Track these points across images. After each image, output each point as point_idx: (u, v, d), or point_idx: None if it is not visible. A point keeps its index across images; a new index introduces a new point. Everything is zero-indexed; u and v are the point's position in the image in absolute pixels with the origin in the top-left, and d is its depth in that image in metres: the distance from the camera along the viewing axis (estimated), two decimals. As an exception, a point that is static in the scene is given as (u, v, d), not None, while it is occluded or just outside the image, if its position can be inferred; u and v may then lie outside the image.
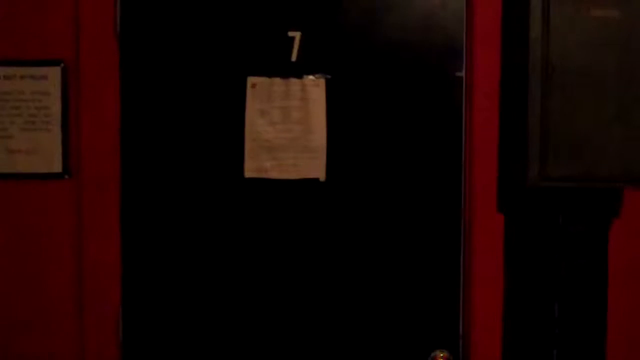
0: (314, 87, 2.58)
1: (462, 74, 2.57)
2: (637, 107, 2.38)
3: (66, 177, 2.57)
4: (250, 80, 2.58)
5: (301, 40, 2.58)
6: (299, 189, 2.60)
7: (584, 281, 2.55)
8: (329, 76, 2.58)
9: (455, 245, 2.60)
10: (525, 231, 2.55)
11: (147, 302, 2.62)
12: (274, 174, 2.59)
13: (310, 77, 2.58)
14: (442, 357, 2.60)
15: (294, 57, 2.58)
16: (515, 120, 2.49)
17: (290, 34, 2.58)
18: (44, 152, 2.57)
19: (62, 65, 2.57)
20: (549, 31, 2.37)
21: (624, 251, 2.56)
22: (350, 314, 2.62)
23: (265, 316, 2.62)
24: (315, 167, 2.59)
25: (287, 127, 2.58)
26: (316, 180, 2.59)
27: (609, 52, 2.37)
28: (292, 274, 2.61)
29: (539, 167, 2.43)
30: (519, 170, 2.47)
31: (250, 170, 2.59)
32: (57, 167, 2.57)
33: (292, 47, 2.58)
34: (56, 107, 2.57)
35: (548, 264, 2.55)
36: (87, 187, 2.57)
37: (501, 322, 2.59)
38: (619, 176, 2.42)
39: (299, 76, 2.58)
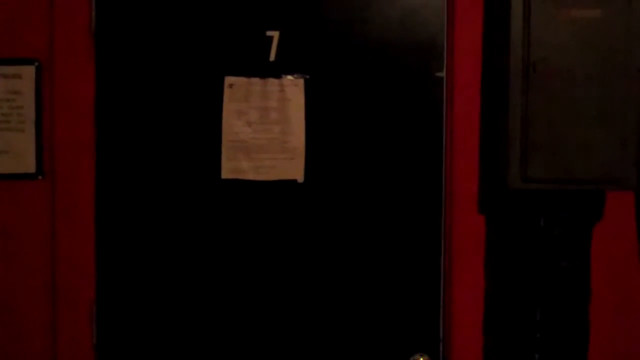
0: (293, 87, 2.54)
1: (443, 74, 2.53)
2: (619, 108, 2.35)
3: (40, 177, 2.52)
4: (228, 80, 2.54)
5: (280, 40, 2.53)
6: (276, 191, 2.56)
7: (566, 284, 2.51)
8: (307, 76, 2.54)
9: (435, 247, 2.56)
10: (506, 233, 2.52)
11: (121, 301, 2.57)
12: (251, 175, 2.55)
13: (289, 77, 2.54)
14: (421, 361, 2.57)
15: (272, 57, 2.54)
16: (495, 121, 2.46)
17: (269, 33, 2.54)
18: (17, 152, 2.52)
19: (37, 64, 2.52)
20: (530, 31, 2.34)
21: (607, 254, 2.52)
22: (329, 317, 2.58)
23: (242, 318, 2.58)
24: (293, 169, 2.55)
25: (265, 128, 2.54)
26: (294, 181, 2.55)
27: (591, 52, 2.33)
28: (269, 276, 2.57)
29: (520, 168, 2.40)
30: (500, 172, 2.44)
31: (227, 171, 2.55)
32: (30, 168, 2.52)
33: (270, 46, 2.54)
34: (30, 107, 2.52)
35: (529, 266, 2.51)
36: (61, 187, 2.52)
37: (482, 325, 2.55)
38: (601, 178, 2.40)
39: (278, 76, 2.54)
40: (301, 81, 2.54)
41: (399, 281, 2.57)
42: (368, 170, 2.56)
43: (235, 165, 2.55)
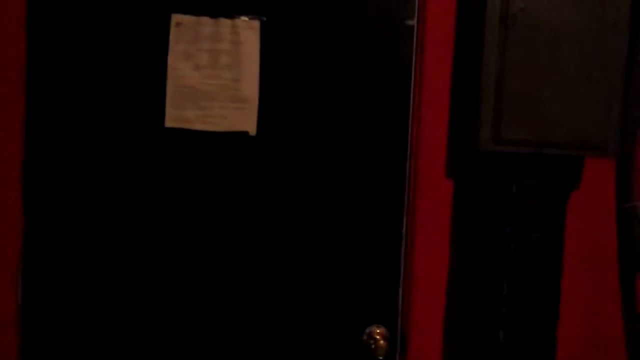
0: (247, 29, 2.30)
1: (414, 22, 2.29)
2: (604, 67, 2.13)
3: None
4: (175, 18, 2.28)
5: (234, -25, 2.29)
6: (226, 143, 2.32)
7: (536, 257, 2.31)
8: (264, 18, 2.30)
9: (397, 211, 2.34)
10: (475, 200, 2.31)
11: (49, 261, 2.34)
12: (198, 125, 2.31)
13: (243, 17, 2.29)
14: (378, 334, 2.36)
15: (225, -6, 2.30)
16: (468, 76, 2.24)
17: (223, -33, 2.29)
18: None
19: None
20: (511, -22, 2.11)
21: (582, 226, 2.32)
22: (277, 284, 2.37)
23: (186, 284, 2.36)
24: (245, 120, 2.32)
25: (214, 73, 2.30)
26: (245, 134, 2.32)
27: (577, 9, 2.11)
28: (213, 237, 2.35)
29: (492, 129, 2.19)
30: (471, 133, 2.22)
31: (172, 119, 2.31)
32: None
33: (224, -18, 2.29)
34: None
35: (498, 236, 2.30)
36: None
37: (444, 297, 2.36)
38: (581, 143, 2.19)
39: (230, 16, 2.29)
40: (257, 23, 2.29)
41: (356, 247, 2.36)
42: (327, 125, 2.33)
43: (180, 114, 2.31)
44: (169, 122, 2.31)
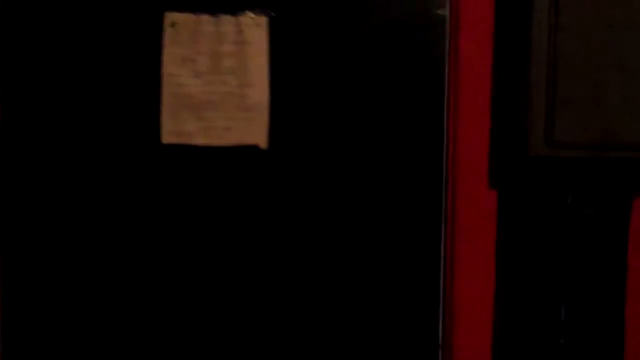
0: (253, 27, 1.99)
1: (446, 11, 1.99)
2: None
3: None
4: (169, 16, 1.98)
5: (236, -34, 1.99)
6: (233, 159, 2.01)
7: (598, 277, 1.99)
8: (272, 13, 1.99)
9: (434, 229, 2.03)
10: (524, 213, 1.99)
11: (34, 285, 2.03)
12: (201, 140, 2.00)
13: (249, 14, 1.99)
14: (415, 372, 2.05)
15: (227, -13, 1.99)
16: (513, 69, 1.93)
17: (222, -43, 1.99)
18: None
19: None
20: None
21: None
22: (297, 316, 2.05)
23: (189, 312, 2.05)
24: (254, 131, 2.00)
25: (217, 79, 1.99)
26: (255, 147, 2.01)
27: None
28: (225, 267, 2.04)
29: (544, 130, 1.89)
30: (518, 136, 1.92)
31: (170, 134, 2.00)
32: None
33: (224, -26, 1.99)
34: None
35: (553, 254, 1.99)
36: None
37: (492, 327, 2.04)
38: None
39: (234, 13, 1.99)
40: (264, 19, 1.99)
41: (387, 272, 2.05)
42: (350, 135, 2.02)
43: (179, 127, 2.00)
44: (166, 137, 2.00)
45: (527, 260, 2.00)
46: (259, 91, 2.00)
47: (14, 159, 2.01)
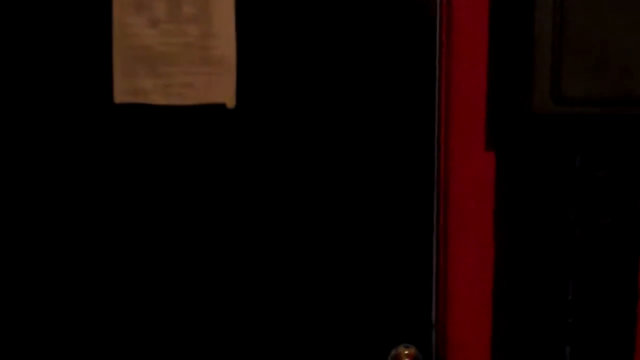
0: (217, -33, 1.74)
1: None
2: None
3: None
4: (119, -44, 1.73)
5: None
6: (195, 120, 1.78)
7: (609, 249, 1.77)
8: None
9: (425, 196, 1.81)
10: (526, 177, 1.76)
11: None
12: (158, 98, 1.76)
13: (211, -49, 1.74)
14: (407, 355, 1.82)
15: None
16: (515, 15, 1.67)
17: None
18: None
19: None
20: None
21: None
22: (277, 295, 1.83)
23: (145, 285, 1.83)
24: (220, 88, 1.76)
25: (177, 29, 1.75)
26: (222, 107, 1.77)
27: None
28: (186, 244, 1.81)
29: (550, 85, 1.63)
30: (520, 91, 1.68)
31: (123, 92, 1.76)
32: None
33: None
34: None
35: (559, 224, 1.76)
36: None
37: (491, 305, 1.81)
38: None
39: (194, -49, 1.74)
40: (229, -41, 1.74)
41: (374, 246, 1.83)
42: (327, 91, 1.78)
43: (134, 84, 1.76)
44: (118, 97, 1.76)
45: (529, 232, 1.77)
46: (225, 43, 1.75)
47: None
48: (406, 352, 1.83)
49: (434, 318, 1.84)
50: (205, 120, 1.77)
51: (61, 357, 1.83)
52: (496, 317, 1.82)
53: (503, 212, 1.77)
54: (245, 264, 1.82)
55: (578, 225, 1.76)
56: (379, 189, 1.80)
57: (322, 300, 1.83)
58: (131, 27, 1.74)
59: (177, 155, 1.78)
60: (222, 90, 1.76)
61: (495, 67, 1.71)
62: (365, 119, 1.78)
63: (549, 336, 1.79)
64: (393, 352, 1.83)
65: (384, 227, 1.81)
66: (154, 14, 1.74)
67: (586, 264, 1.77)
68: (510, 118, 1.73)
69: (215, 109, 1.77)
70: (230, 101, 1.77)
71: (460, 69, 1.72)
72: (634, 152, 1.74)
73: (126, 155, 1.78)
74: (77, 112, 1.76)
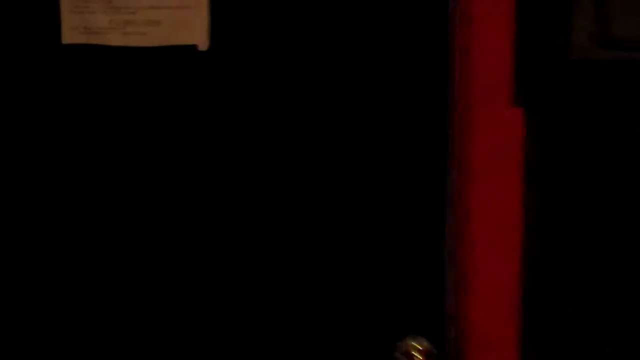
0: None
1: None
2: None
3: None
4: None
5: None
6: (161, 65, 1.50)
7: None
8: None
9: (438, 163, 1.49)
10: (562, 142, 1.42)
11: None
12: (116, 39, 1.50)
13: None
14: (416, 350, 1.53)
15: None
16: None
17: None
18: None
19: None
20: None
21: None
22: (260, 264, 1.56)
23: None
24: (189, 26, 1.48)
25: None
26: (192, 48, 1.48)
27: None
28: (147, 211, 1.54)
29: (596, 24, 1.31)
30: (555, 33, 1.35)
31: (72, 31, 1.50)
32: None
33: None
34: None
35: (605, 196, 1.42)
36: None
37: (520, 291, 1.48)
38: None
39: None
40: None
41: (376, 221, 1.53)
42: (321, 27, 1.47)
43: (86, 21, 1.50)
44: (67, 36, 1.50)
45: (567, 204, 1.43)
46: (195, -30, 1.46)
47: None
48: (416, 345, 1.53)
49: (448, 307, 1.53)
50: (173, 66, 1.49)
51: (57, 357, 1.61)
52: (525, 307, 1.49)
53: (534, 182, 1.44)
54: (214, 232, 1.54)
55: (631, 198, 1.42)
56: (381, 152, 1.49)
57: (315, 293, 1.55)
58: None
59: (138, 106, 1.51)
60: (193, 29, 1.49)
61: (524, 9, 1.37)
62: (360, 63, 1.47)
63: (588, 331, 1.47)
64: (401, 344, 1.53)
65: (390, 200, 1.51)
66: None
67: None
68: (544, 67, 1.39)
69: (185, 52, 1.49)
70: (202, 42, 1.47)
71: (481, 5, 1.39)
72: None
73: (76, 106, 1.50)
74: (17, 54, 1.50)
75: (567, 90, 1.39)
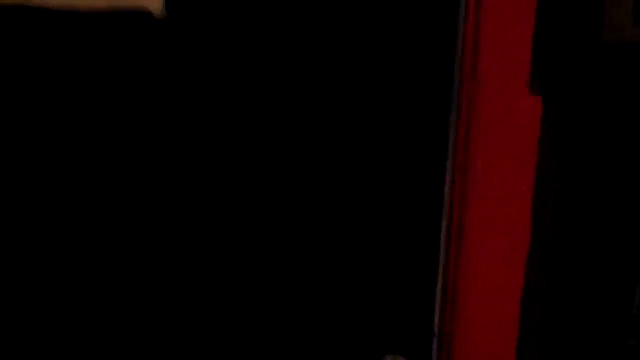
0: None
1: None
2: None
3: None
4: None
5: None
6: (109, 34, 1.26)
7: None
8: None
9: (438, 153, 1.29)
10: (588, 133, 1.23)
11: None
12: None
13: None
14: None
15: None
16: None
17: None
18: None
19: None
20: None
21: None
22: (228, 282, 1.36)
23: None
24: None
25: None
26: (148, 16, 1.25)
27: None
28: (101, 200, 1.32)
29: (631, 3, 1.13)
30: (583, 13, 1.16)
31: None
32: None
33: None
34: None
35: (631, 191, 1.25)
36: None
37: (519, 301, 1.30)
38: None
39: None
40: None
41: (361, 220, 1.34)
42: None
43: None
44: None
45: (588, 200, 1.25)
46: None
47: None
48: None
49: (436, 323, 1.34)
50: (123, 33, 1.25)
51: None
52: (524, 316, 1.32)
53: (550, 173, 1.24)
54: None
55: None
56: (372, 141, 1.29)
57: (295, 304, 1.35)
58: None
59: (84, 79, 1.27)
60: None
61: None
62: (357, 47, 1.25)
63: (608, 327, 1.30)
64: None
65: (380, 203, 1.33)
66: None
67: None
68: (568, 52, 1.19)
69: (139, 18, 1.25)
70: (156, 7, 1.23)
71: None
72: None
73: (8, 75, 1.25)
74: None
75: (595, 76, 1.19)
